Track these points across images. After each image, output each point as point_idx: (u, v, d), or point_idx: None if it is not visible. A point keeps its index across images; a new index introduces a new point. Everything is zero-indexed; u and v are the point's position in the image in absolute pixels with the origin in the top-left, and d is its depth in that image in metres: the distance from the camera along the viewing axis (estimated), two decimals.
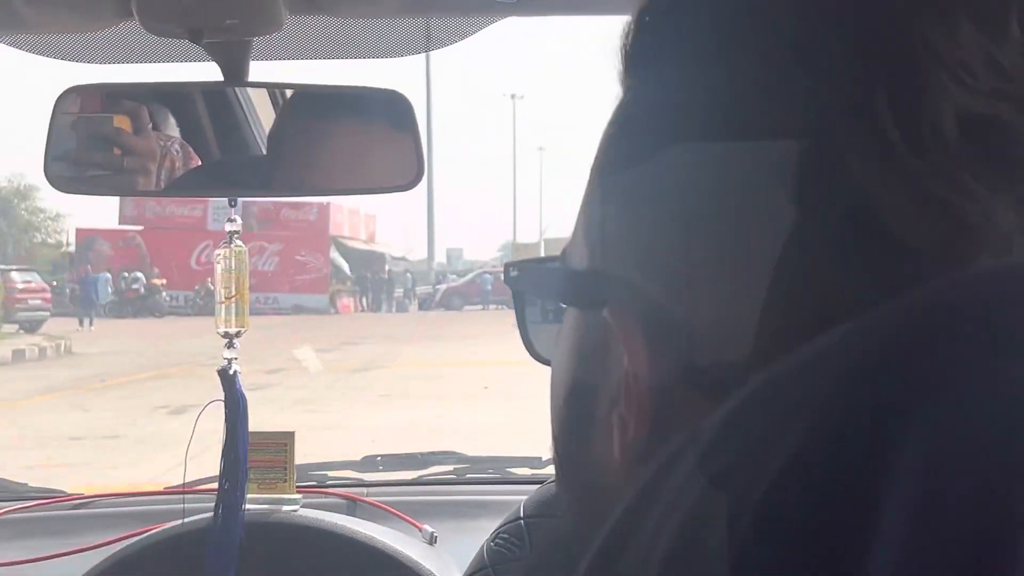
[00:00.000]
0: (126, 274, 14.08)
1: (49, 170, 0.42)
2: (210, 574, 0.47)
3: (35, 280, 11.11)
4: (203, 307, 14.10)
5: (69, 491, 0.76)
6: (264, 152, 0.41)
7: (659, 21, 0.16)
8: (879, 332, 0.12)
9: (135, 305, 13.92)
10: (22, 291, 10.51)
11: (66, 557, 0.58)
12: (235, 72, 0.41)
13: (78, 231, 15.36)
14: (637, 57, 0.16)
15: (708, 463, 0.12)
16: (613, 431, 0.15)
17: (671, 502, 0.12)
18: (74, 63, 0.45)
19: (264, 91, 0.42)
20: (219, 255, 0.47)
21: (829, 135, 0.13)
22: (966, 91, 0.13)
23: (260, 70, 0.41)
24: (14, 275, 10.84)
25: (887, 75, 0.13)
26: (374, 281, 15.64)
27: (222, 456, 0.46)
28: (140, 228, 14.77)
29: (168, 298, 14.58)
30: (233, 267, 0.47)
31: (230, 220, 0.46)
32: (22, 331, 9.89)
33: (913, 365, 0.11)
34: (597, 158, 0.17)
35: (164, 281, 14.26)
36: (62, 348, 8.50)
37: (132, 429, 3.95)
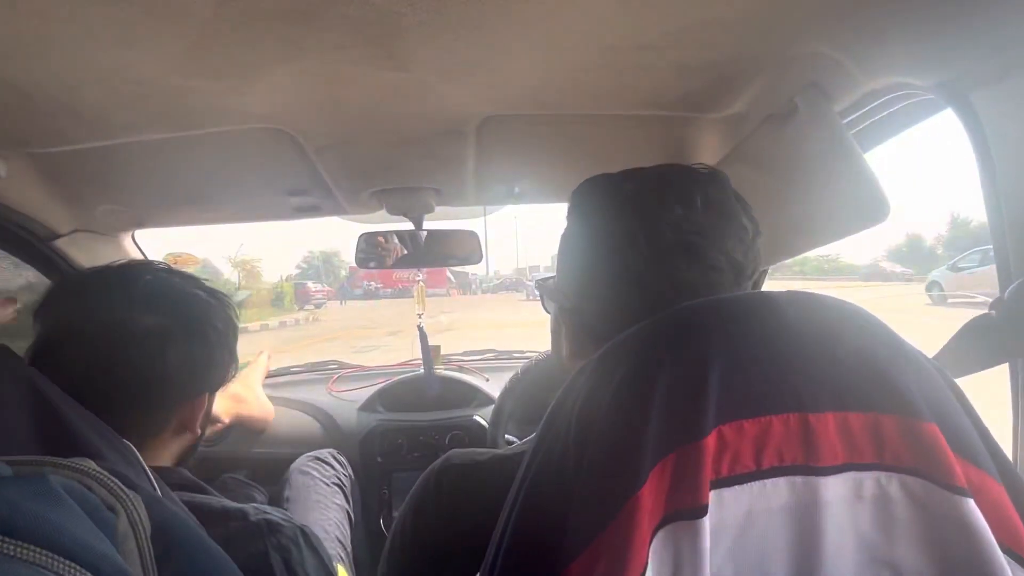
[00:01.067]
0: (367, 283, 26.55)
1: (357, 260, 1.28)
2: (429, 390, 1.40)
3: (320, 286, 25.36)
4: (398, 294, 24.97)
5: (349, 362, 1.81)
6: (428, 251, 1.27)
7: (574, 203, 0.61)
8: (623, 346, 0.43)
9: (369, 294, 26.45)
10: (314, 291, 23.45)
11: (364, 388, 1.55)
12: (418, 224, 1.24)
13: (350, 268, 28.42)
14: (570, 212, 0.62)
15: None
16: (562, 343, 0.66)
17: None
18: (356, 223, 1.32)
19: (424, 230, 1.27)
20: (416, 286, 1.34)
21: (628, 248, 0.55)
22: (677, 230, 0.53)
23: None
24: (309, 284, 24.23)
25: (644, 231, 0.54)
26: (463, 283, 29.48)
27: (422, 353, 1.38)
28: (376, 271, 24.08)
29: (381, 292, 26.51)
30: (420, 292, 1.34)
31: (418, 275, 1.32)
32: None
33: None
34: (561, 245, 0.62)
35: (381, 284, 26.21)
36: (311, 318, 14.56)
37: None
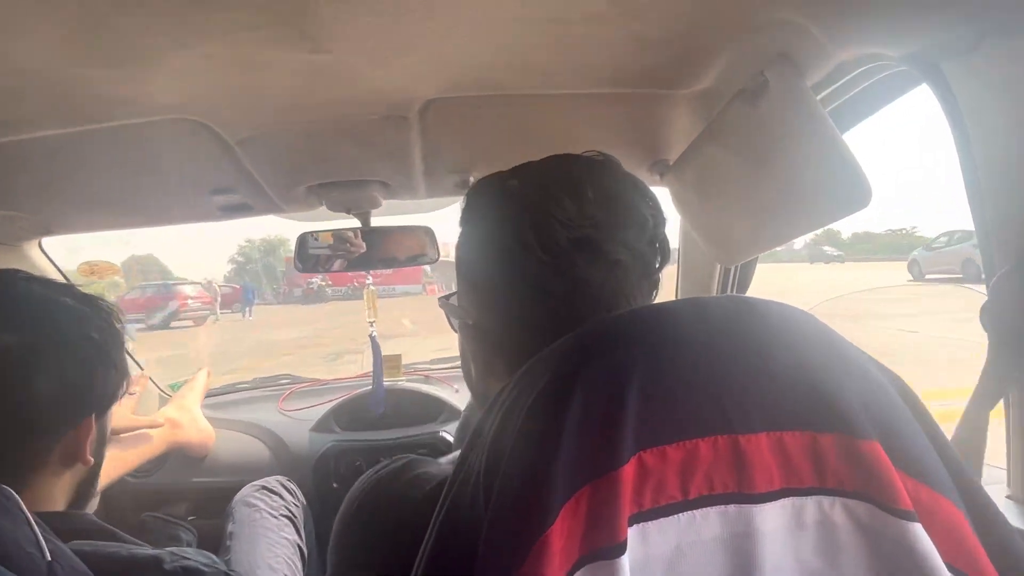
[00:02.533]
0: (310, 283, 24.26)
1: (296, 265, 1.26)
2: (374, 409, 1.38)
3: (196, 291, 18.98)
4: (352, 294, 22.23)
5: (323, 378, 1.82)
6: (375, 251, 1.25)
7: (465, 208, 0.63)
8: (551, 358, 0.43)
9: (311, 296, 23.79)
10: (186, 299, 18.24)
11: (318, 406, 1.53)
12: (365, 222, 1.23)
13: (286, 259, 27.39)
14: (461, 218, 0.64)
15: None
16: (470, 364, 0.66)
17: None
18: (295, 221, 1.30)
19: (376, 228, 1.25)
20: (366, 292, 1.33)
21: (521, 252, 0.56)
22: (570, 227, 0.54)
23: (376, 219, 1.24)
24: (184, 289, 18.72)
25: (533, 228, 0.55)
26: (444, 277, 29.35)
27: (373, 367, 1.37)
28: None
29: (330, 292, 24.30)
30: (370, 297, 1.33)
31: (367, 279, 1.31)
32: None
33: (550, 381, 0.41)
34: (456, 256, 0.64)
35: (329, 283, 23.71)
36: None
37: None
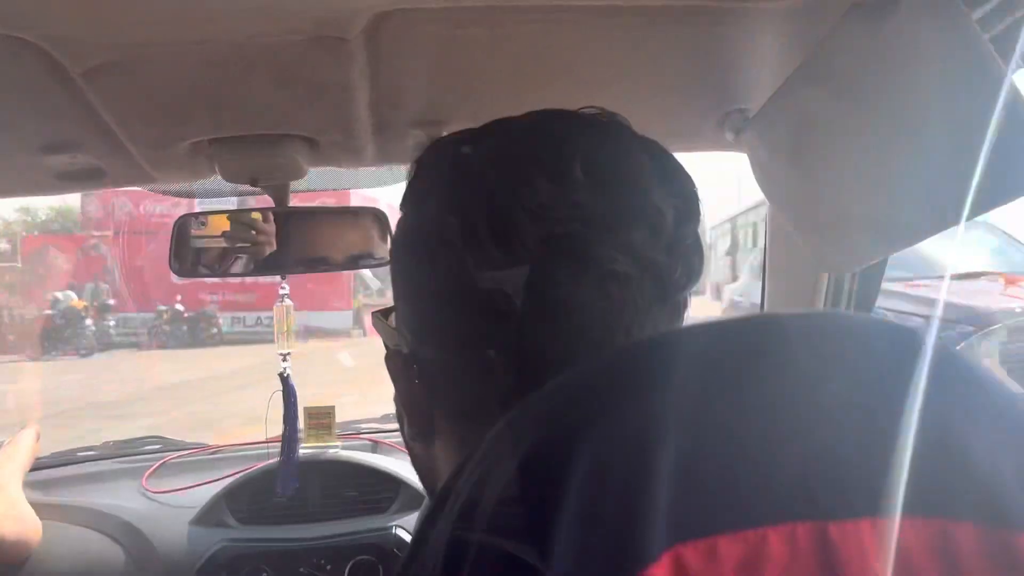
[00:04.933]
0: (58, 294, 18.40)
1: (173, 265, 1.27)
2: (281, 491, 1.39)
3: None
4: (169, 336, 19.57)
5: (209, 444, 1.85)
6: (296, 246, 1.26)
7: (408, 186, 0.66)
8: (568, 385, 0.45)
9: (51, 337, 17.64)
10: None
11: (203, 486, 1.53)
12: (280, 201, 1.23)
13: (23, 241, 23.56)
14: (402, 200, 0.66)
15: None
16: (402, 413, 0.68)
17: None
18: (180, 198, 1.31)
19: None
20: (277, 307, 1.34)
21: (470, 255, 0.57)
22: (545, 220, 0.55)
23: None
24: None
25: (488, 221, 0.57)
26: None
27: (284, 423, 1.38)
28: (107, 234, 21.04)
29: (114, 323, 19.92)
30: (285, 315, 1.33)
31: (282, 288, 1.32)
32: None
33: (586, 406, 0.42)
34: (390, 254, 0.67)
35: (87, 305, 18.54)
36: None
37: None
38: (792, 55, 0.99)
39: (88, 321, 17.92)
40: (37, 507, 1.54)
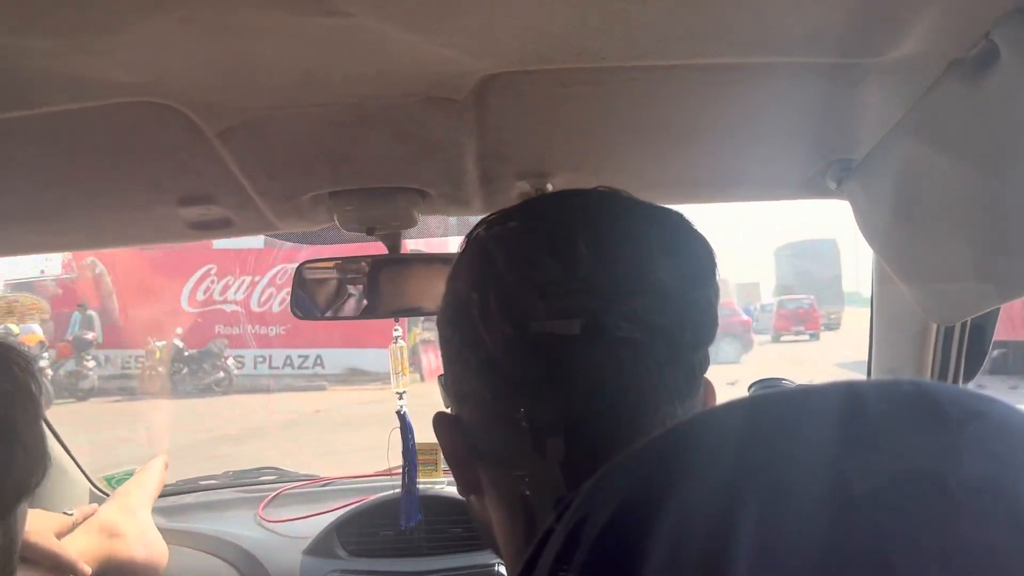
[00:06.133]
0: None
1: (293, 307, 1.34)
2: (405, 524, 1.44)
3: None
4: (150, 381, 15.21)
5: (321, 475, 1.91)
6: (402, 291, 1.32)
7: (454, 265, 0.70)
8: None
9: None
10: None
11: (315, 517, 1.60)
12: (393, 248, 1.30)
13: None
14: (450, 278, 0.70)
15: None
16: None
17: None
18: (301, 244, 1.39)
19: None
20: (392, 348, 1.40)
21: (487, 329, 0.62)
22: (553, 294, 0.59)
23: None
24: None
25: (499, 299, 0.61)
26: None
27: (403, 457, 1.43)
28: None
29: (92, 364, 14.82)
30: (399, 356, 1.40)
31: (395, 329, 1.39)
32: None
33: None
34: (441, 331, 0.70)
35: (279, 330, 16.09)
36: None
37: None
38: (895, 107, 0.99)
39: (43, 363, 12.98)
40: (164, 532, 1.62)
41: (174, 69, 0.89)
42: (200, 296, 16.55)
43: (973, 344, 1.38)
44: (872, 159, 1.06)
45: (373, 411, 10.35)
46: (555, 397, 0.61)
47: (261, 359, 16.68)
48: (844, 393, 0.45)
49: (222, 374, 15.61)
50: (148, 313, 16.00)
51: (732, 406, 0.46)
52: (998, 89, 0.79)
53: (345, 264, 1.36)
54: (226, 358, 15.77)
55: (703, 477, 0.42)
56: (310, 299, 1.36)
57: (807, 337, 25.84)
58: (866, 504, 0.39)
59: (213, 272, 16.44)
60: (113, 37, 0.81)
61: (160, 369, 15.38)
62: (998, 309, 1.37)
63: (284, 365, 16.45)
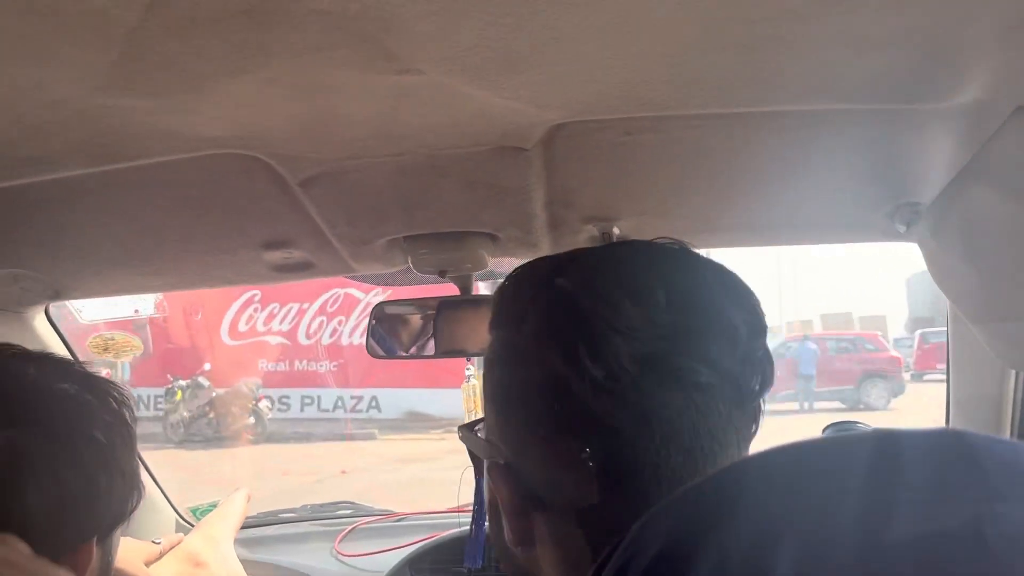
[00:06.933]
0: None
1: (369, 344, 1.39)
2: (468, 565, 1.45)
3: None
4: (174, 428, 12.75)
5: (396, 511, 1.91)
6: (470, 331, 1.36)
7: (494, 310, 0.73)
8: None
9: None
10: None
11: (390, 552, 1.63)
12: (464, 289, 1.33)
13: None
14: (493, 320, 0.73)
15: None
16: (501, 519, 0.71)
17: None
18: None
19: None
20: (465, 388, 1.44)
21: (572, 375, 0.63)
22: (635, 340, 0.61)
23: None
24: None
25: (585, 343, 0.62)
26: None
27: (475, 499, 1.45)
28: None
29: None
30: (472, 394, 1.43)
31: (468, 368, 1.42)
32: None
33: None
34: (484, 374, 0.74)
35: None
36: None
37: None
38: (961, 151, 0.99)
39: None
40: (245, 563, 1.66)
41: (259, 124, 0.95)
42: (242, 327, 14.03)
43: None
44: (940, 203, 1.06)
45: (414, 475, 9.42)
46: (637, 441, 0.63)
47: (309, 400, 14.30)
48: (884, 442, 0.46)
49: (252, 419, 13.06)
50: (184, 345, 13.84)
51: (774, 453, 0.48)
52: None
53: (422, 303, 1.40)
54: (259, 400, 13.24)
55: (743, 523, 0.44)
56: (388, 337, 1.40)
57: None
58: (896, 555, 0.40)
59: (257, 299, 13.89)
60: (204, 96, 0.87)
61: (184, 413, 13.00)
62: None
63: (335, 407, 14.17)
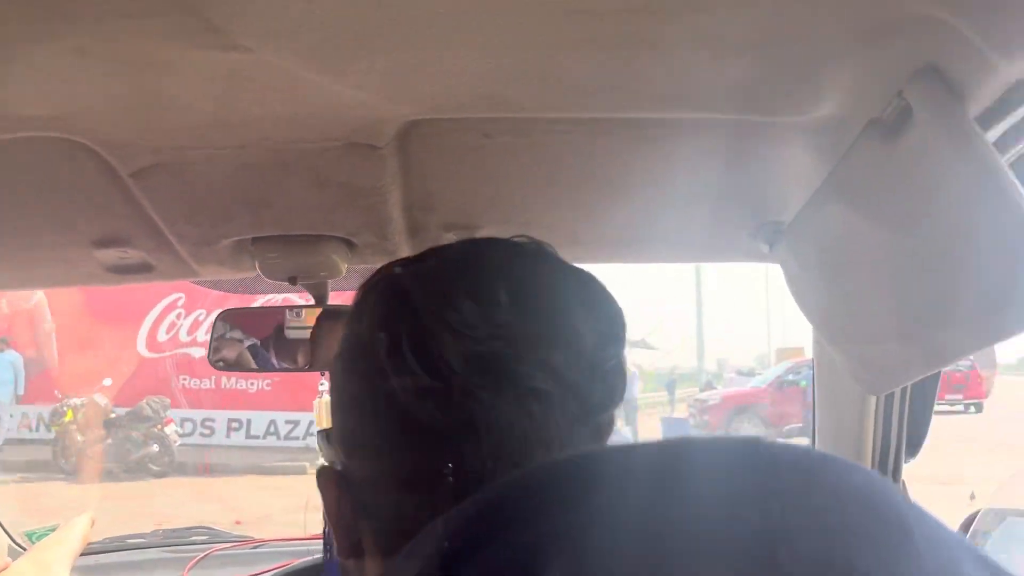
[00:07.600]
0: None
1: (212, 358, 1.30)
2: None
3: None
4: (69, 455, 11.06)
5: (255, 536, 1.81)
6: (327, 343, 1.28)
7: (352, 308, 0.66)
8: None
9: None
10: None
11: None
12: (319, 299, 1.26)
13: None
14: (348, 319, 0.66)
15: None
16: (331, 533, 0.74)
17: None
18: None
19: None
20: (317, 404, 1.35)
21: (394, 373, 0.57)
22: (469, 339, 0.55)
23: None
24: None
25: (411, 339, 0.57)
26: None
27: (324, 518, 1.38)
28: None
29: None
30: (325, 411, 1.35)
31: (321, 384, 1.34)
32: None
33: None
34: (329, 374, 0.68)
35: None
36: None
37: None
38: (819, 168, 0.99)
39: None
40: None
41: (79, 103, 0.87)
42: (162, 336, 12.47)
43: (915, 414, 1.36)
44: (799, 222, 1.05)
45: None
46: (462, 448, 0.58)
47: (236, 424, 12.50)
48: (672, 451, 0.44)
49: (156, 447, 11.38)
50: (96, 357, 12.08)
51: (558, 462, 0.46)
52: (913, 147, 0.79)
53: (269, 313, 1.32)
54: (165, 423, 11.54)
55: (514, 535, 0.41)
56: (229, 349, 1.31)
57: (961, 408, 18.73)
58: (676, 566, 0.38)
59: (180, 304, 12.33)
60: (8, 67, 0.78)
61: (78, 437, 11.27)
62: (937, 376, 1.36)
63: (266, 433, 12.46)
